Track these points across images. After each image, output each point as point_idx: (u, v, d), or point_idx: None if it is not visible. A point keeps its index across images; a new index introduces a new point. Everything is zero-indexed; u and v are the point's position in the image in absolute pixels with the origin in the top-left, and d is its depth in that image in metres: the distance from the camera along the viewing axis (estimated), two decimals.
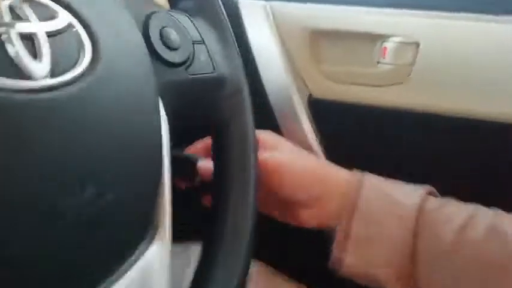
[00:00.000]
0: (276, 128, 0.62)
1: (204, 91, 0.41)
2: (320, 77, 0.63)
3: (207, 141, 0.52)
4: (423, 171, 0.53)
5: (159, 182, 0.33)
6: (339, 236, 0.49)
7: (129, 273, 0.29)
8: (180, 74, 0.39)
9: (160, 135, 0.34)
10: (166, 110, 0.36)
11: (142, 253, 0.31)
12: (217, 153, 0.42)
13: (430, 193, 0.51)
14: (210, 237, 0.38)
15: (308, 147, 0.61)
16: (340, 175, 0.51)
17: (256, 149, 0.42)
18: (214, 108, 0.42)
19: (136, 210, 0.31)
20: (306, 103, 0.63)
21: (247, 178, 0.41)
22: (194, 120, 0.43)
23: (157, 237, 0.32)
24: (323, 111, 0.63)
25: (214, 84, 0.41)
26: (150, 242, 0.32)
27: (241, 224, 0.39)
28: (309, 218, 0.50)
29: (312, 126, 0.63)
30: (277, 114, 0.62)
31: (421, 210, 0.48)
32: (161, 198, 0.33)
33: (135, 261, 0.30)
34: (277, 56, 0.62)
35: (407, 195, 0.49)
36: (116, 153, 0.29)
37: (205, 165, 0.48)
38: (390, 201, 0.49)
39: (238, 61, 0.43)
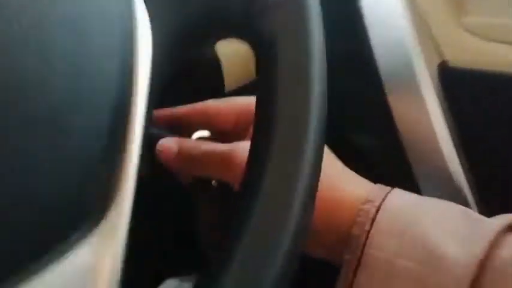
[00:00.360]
0: (383, 108, 0.45)
1: None
2: (462, 35, 0.44)
3: (186, 109, 0.38)
4: None
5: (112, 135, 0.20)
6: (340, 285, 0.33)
7: (44, 278, 0.18)
8: None
9: (131, 55, 0.22)
10: (157, 26, 0.24)
11: (67, 251, 0.19)
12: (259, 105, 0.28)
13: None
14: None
15: (431, 137, 0.43)
16: (355, 193, 0.33)
17: (323, 104, 0.26)
18: (248, 25, 0.28)
19: (60, 184, 0.19)
20: (435, 73, 0.44)
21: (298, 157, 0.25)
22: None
23: (99, 228, 0.20)
24: (462, 86, 0.44)
25: None
26: (85, 236, 0.19)
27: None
28: (311, 245, 0.34)
29: (440, 107, 0.44)
30: (387, 88, 0.44)
31: (483, 265, 0.29)
32: (119, 163, 0.21)
33: (53, 262, 0.18)
34: (396, 6, 0.44)
35: (466, 236, 0.31)
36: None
37: (169, 145, 0.35)
38: (426, 250, 0.31)
39: None
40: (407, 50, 0.44)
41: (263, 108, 0.26)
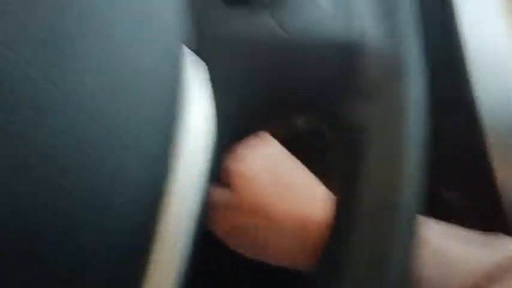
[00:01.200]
0: (483, 163, 0.36)
1: (312, 66, 0.23)
2: None
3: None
4: None
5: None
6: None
7: None
8: (253, 19, 0.22)
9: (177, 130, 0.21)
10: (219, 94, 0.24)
11: None
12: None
13: None
14: None
15: None
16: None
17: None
18: (335, 110, 0.25)
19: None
20: None
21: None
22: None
23: None
24: None
25: (340, 56, 0.24)
26: None
27: None
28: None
29: None
30: (492, 138, 0.36)
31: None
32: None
33: None
34: (504, 45, 0.35)
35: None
36: None
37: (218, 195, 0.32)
38: None
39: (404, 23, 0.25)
40: None
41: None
